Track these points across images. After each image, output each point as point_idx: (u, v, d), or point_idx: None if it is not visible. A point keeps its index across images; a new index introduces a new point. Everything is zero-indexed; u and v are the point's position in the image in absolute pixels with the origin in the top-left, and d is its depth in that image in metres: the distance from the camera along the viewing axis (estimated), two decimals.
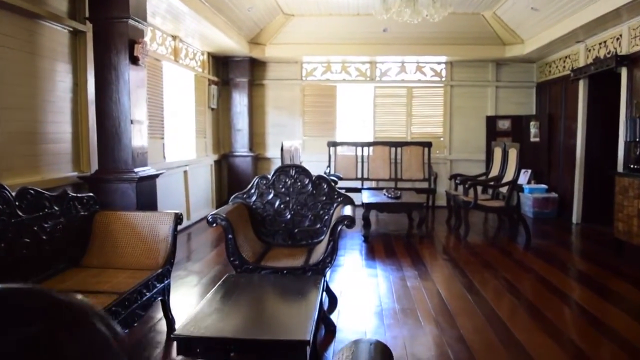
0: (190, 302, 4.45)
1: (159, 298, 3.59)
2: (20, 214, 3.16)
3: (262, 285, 3.20)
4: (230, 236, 3.73)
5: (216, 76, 9.43)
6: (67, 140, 4.94)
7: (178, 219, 3.87)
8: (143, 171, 5.02)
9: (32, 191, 3.31)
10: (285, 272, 3.61)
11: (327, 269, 3.62)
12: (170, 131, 7.54)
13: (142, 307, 3.25)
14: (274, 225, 4.39)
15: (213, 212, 3.81)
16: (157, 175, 5.39)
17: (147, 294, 3.33)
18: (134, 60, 4.83)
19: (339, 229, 3.60)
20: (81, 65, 5.06)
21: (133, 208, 4.81)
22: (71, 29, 4.89)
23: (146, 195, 5.04)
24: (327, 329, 3.76)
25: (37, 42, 4.47)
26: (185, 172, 7.87)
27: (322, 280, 3.19)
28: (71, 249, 3.68)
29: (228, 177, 9.75)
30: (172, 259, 3.78)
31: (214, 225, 3.77)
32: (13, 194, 3.13)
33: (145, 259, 3.73)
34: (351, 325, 3.91)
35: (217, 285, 3.11)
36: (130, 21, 4.75)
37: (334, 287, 4.77)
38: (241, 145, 9.64)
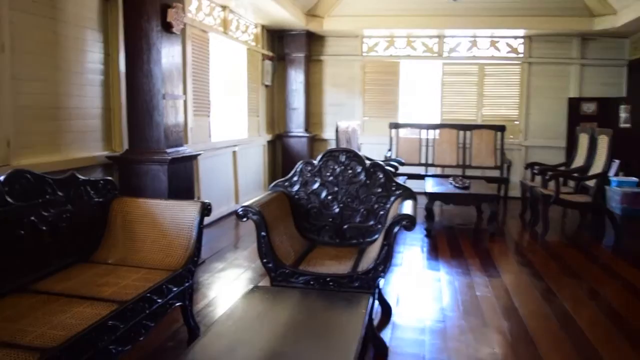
0: (222, 303, 3.89)
1: (177, 304, 3.03)
2: (10, 200, 2.65)
3: (291, 305, 2.54)
4: (263, 234, 3.10)
5: (271, 51, 8.82)
6: (96, 116, 4.47)
7: (205, 209, 3.29)
8: (176, 151, 4.48)
9: (28, 174, 2.80)
10: (328, 280, 2.96)
11: (379, 279, 2.93)
12: (219, 109, 7.01)
13: (150, 317, 2.69)
14: (320, 220, 3.73)
15: (245, 204, 3.19)
16: (193, 157, 4.85)
17: (159, 300, 2.76)
18: (167, 27, 4.27)
19: (395, 230, 2.89)
20: (113, 33, 4.55)
21: (164, 193, 4.31)
22: None
23: (180, 179, 4.51)
24: (376, 350, 3.09)
25: (61, 7, 3.98)
26: (234, 152, 7.35)
27: (370, 303, 2.50)
28: (80, 241, 3.18)
29: (282, 159, 9.19)
30: (196, 257, 3.21)
31: (244, 219, 3.16)
32: (1, 177, 2.62)
33: (164, 257, 3.17)
34: (407, 347, 3.22)
35: (234, 303, 2.49)
36: None
37: (389, 291, 4.08)
38: (296, 125, 9.04)
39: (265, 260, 3.10)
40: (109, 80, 4.59)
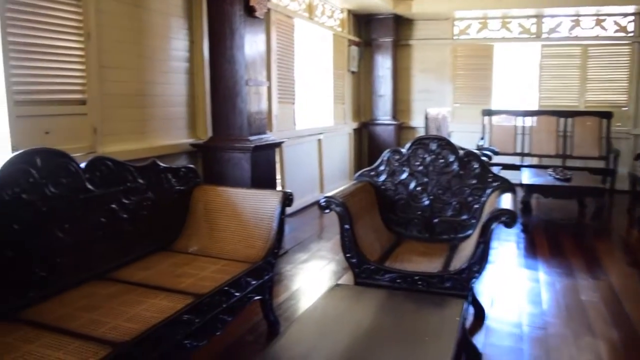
0: (304, 297, 3.74)
1: (256, 297, 2.90)
2: (90, 187, 2.62)
3: (376, 306, 2.31)
4: (346, 226, 2.90)
5: (357, 36, 8.56)
6: (181, 103, 4.45)
7: (286, 199, 3.13)
8: (260, 139, 4.37)
9: (109, 161, 2.77)
10: (416, 278, 2.70)
11: (474, 280, 2.64)
12: (304, 96, 6.88)
13: (228, 311, 2.57)
14: (408, 213, 3.47)
15: (327, 194, 3.00)
16: (277, 144, 4.73)
17: (237, 294, 2.64)
18: (250, 11, 4.14)
19: (492, 227, 2.58)
20: (197, 20, 4.50)
21: (247, 181, 4.22)
22: None
23: (263, 167, 4.40)
24: (468, 358, 2.80)
25: None
26: (319, 140, 7.21)
27: (465, 309, 2.22)
28: (161, 229, 3.13)
29: (368, 148, 8.93)
30: (276, 249, 3.07)
31: (327, 211, 2.97)
32: (82, 164, 2.59)
33: (243, 248, 3.06)
34: (502, 356, 2.90)
35: (314, 302, 2.30)
36: None
37: (482, 292, 3.75)
38: (383, 112, 8.74)
39: (348, 255, 2.90)
40: (193, 67, 4.56)
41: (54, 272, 2.41)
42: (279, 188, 5.95)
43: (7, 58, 2.89)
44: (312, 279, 4.13)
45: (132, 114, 3.90)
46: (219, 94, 4.32)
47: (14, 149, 2.90)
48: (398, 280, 2.72)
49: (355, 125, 8.72)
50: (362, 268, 2.83)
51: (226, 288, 2.55)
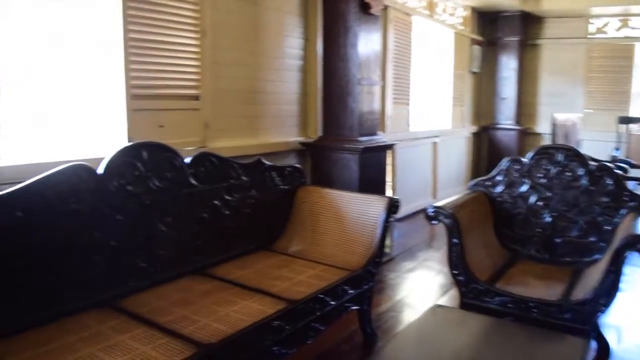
0: (407, 310, 3.53)
1: (353, 307, 2.76)
2: (194, 183, 2.63)
3: (480, 335, 2.05)
4: (455, 240, 2.66)
5: (481, 35, 8.09)
6: (292, 101, 4.42)
7: (392, 205, 2.96)
8: (370, 140, 4.22)
9: (213, 157, 2.77)
10: (531, 305, 2.40)
11: (599, 313, 2.28)
12: (420, 97, 6.61)
13: (321, 320, 2.45)
14: (526, 229, 3.13)
15: (436, 204, 2.78)
16: (388, 146, 4.55)
17: (332, 303, 2.51)
18: (365, 8, 4.00)
19: (626, 254, 2.21)
20: (312, 17, 4.44)
21: (355, 183, 4.09)
22: None
23: (372, 169, 4.24)
24: None
25: None
26: (434, 144, 6.90)
27: (586, 351, 1.89)
28: (262, 228, 3.09)
29: (487, 154, 8.43)
30: (379, 258, 2.90)
31: (434, 222, 2.75)
32: (187, 160, 2.61)
33: (343, 254, 2.93)
34: None
35: (411, 323, 2.10)
36: None
37: (608, 324, 3.30)
38: (506, 116, 8.19)
39: (455, 272, 2.66)
40: (307, 65, 4.51)
41: (154, 264, 2.44)
42: (388, 191, 5.76)
43: (127, 54, 3.00)
44: (417, 290, 3.90)
45: (243, 111, 3.92)
46: (331, 93, 4.24)
47: (129, 141, 3.01)
48: (509, 305, 2.44)
49: (474, 129, 8.26)
50: (469, 287, 2.57)
51: (321, 296, 2.43)
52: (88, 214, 2.15)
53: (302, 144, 4.37)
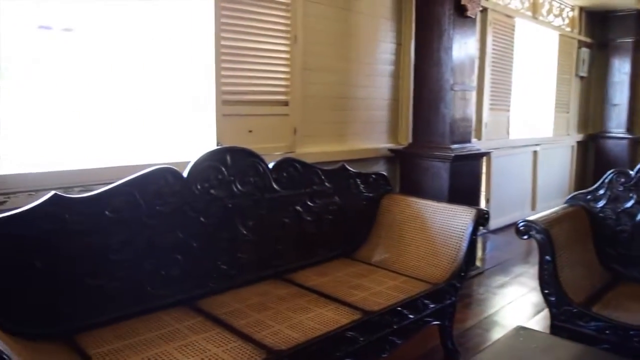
0: (495, 329, 3.34)
1: (434, 322, 2.64)
2: (277, 188, 2.65)
3: None
4: (547, 258, 2.47)
5: (589, 37, 7.52)
6: (383, 107, 4.36)
7: (480, 217, 2.81)
8: (462, 148, 4.06)
9: (297, 163, 2.78)
10: (632, 334, 2.17)
11: None
12: (519, 103, 6.27)
13: (399, 333, 2.37)
14: (631, 249, 2.84)
15: (527, 218, 2.60)
16: (481, 155, 4.35)
17: (411, 316, 2.42)
18: (461, 11, 3.85)
19: None
20: (406, 22, 4.36)
21: (444, 192, 3.95)
22: None
23: (464, 178, 4.07)
24: None
25: None
26: (534, 152, 6.52)
27: None
28: (345, 236, 3.06)
29: (595, 164, 7.83)
30: (463, 272, 2.77)
31: (525, 237, 2.57)
32: (270, 165, 2.64)
33: (426, 265, 2.82)
34: None
35: (489, 347, 1.96)
36: None
37: None
38: (616, 124, 7.56)
39: (546, 292, 2.47)
40: (399, 70, 4.43)
41: (235, 266, 2.49)
42: (482, 201, 5.53)
43: (218, 61, 3.10)
44: (507, 308, 3.68)
45: (332, 116, 3.92)
46: (422, 99, 4.13)
47: (218, 145, 3.10)
48: (606, 332, 2.21)
49: (579, 137, 7.70)
50: (561, 309, 2.37)
51: (399, 308, 2.35)
52: (172, 215, 2.23)
53: (392, 150, 4.29)
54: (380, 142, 4.36)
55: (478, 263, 4.64)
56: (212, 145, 3.07)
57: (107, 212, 2.03)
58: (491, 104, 5.54)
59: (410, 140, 4.38)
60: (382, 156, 4.32)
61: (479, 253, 5.07)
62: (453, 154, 3.89)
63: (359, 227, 3.15)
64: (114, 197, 2.06)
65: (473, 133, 5.24)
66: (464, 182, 4.07)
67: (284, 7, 3.42)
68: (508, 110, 5.92)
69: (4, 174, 2.32)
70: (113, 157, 2.73)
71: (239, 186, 2.48)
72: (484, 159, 5.41)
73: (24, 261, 1.85)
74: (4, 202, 2.27)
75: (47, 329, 1.88)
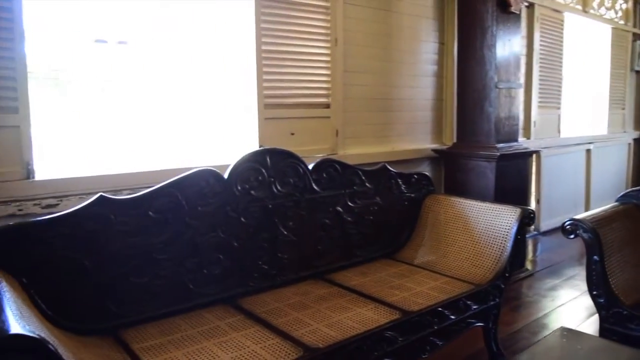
0: (543, 332, 3.24)
1: (477, 324, 2.59)
2: (316, 188, 2.68)
3: None
4: (595, 257, 2.38)
5: None
6: (427, 107, 4.31)
7: (526, 217, 2.75)
8: (508, 147, 3.97)
9: (336, 164, 2.79)
10: None
11: None
12: (569, 100, 6.07)
13: (439, 334, 2.34)
14: None
15: (574, 217, 2.52)
16: (529, 154, 4.25)
17: (452, 317, 2.38)
18: (504, 7, 3.78)
19: None
20: (449, 20, 4.30)
21: (490, 192, 3.88)
22: None
23: (510, 178, 3.98)
24: None
25: None
26: (588, 151, 6.29)
27: None
28: (386, 236, 3.05)
29: None
30: (507, 273, 2.70)
31: (572, 236, 2.49)
32: (310, 166, 2.66)
33: (469, 266, 2.77)
34: None
35: (529, 349, 1.91)
36: None
37: None
38: None
39: (594, 293, 2.38)
40: (442, 70, 4.37)
41: (276, 266, 2.52)
42: (532, 201, 5.38)
43: (260, 65, 3.15)
44: (557, 310, 3.56)
45: (375, 118, 3.91)
46: (466, 98, 4.07)
47: (260, 147, 3.14)
48: None
49: (636, 134, 7.37)
50: (610, 311, 2.29)
51: (440, 309, 2.32)
52: (213, 215, 2.29)
53: (435, 151, 4.24)
54: (425, 143, 4.32)
55: (528, 265, 4.52)
56: (255, 146, 3.12)
57: (150, 213, 2.11)
58: (540, 102, 5.39)
59: (454, 140, 4.32)
60: (426, 157, 4.27)
61: (529, 255, 4.93)
62: (498, 153, 3.81)
63: (401, 227, 3.13)
64: (157, 198, 2.13)
65: (521, 132, 5.16)
66: (511, 182, 3.98)
67: (323, 10, 3.45)
68: (559, 108, 5.75)
69: (57, 178, 2.44)
70: (160, 161, 2.82)
71: (278, 187, 2.52)
72: (534, 158, 5.29)
73: (74, 260, 1.94)
74: (57, 204, 2.39)
75: (95, 324, 1.97)
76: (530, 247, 5.18)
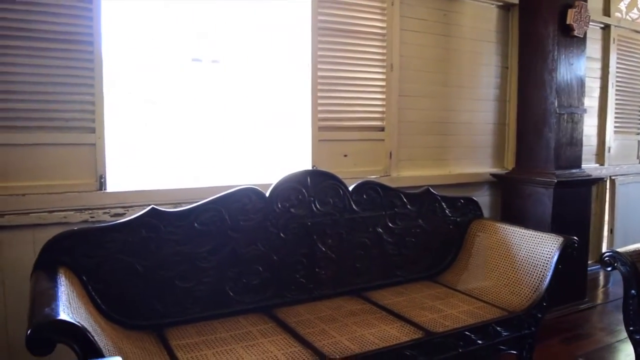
0: None
1: (509, 351, 2.60)
2: (356, 209, 2.82)
3: None
4: (632, 292, 2.34)
5: None
6: (487, 131, 4.31)
7: (569, 246, 2.72)
8: (569, 174, 3.89)
9: (377, 187, 2.92)
10: None
11: None
12: None
13: (465, 358, 2.39)
14: None
15: (613, 249, 2.48)
16: (592, 181, 4.12)
17: (479, 342, 2.42)
18: (566, 31, 3.73)
19: None
20: (513, 44, 4.29)
21: (547, 220, 3.81)
22: (500, 3, 4.19)
23: (570, 205, 3.88)
24: None
25: (456, 22, 4.01)
26: None
27: None
28: (428, 259, 3.13)
29: None
30: (545, 302, 2.69)
31: (609, 269, 2.45)
32: (350, 187, 2.81)
33: (507, 293, 2.79)
34: None
35: None
36: None
37: None
38: None
39: (631, 329, 2.34)
40: (505, 94, 4.36)
41: (313, 280, 2.69)
42: (605, 232, 5.17)
43: (315, 90, 3.35)
44: (611, 346, 3.43)
45: (431, 141, 3.97)
46: (526, 122, 4.04)
47: (313, 167, 3.34)
48: None
49: None
50: None
51: (467, 332, 2.38)
52: (254, 230, 2.51)
53: (494, 175, 4.22)
54: (485, 167, 4.31)
55: (595, 297, 4.36)
56: (308, 166, 3.31)
57: (196, 225, 2.36)
58: (617, 127, 5.18)
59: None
60: (485, 181, 4.26)
61: (598, 287, 4.74)
62: (556, 180, 3.75)
63: (445, 250, 3.19)
64: (203, 212, 2.38)
65: (593, 158, 4.99)
66: (571, 210, 3.88)
67: (379, 37, 3.59)
68: (638, 134, 5.48)
69: (125, 190, 2.76)
70: (217, 178, 3.08)
71: (318, 206, 2.69)
72: (607, 185, 5.10)
73: (128, 263, 2.22)
74: (124, 213, 2.70)
75: (142, 320, 2.24)
76: (601, 279, 4.97)
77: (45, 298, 1.65)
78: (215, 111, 3.17)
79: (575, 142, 3.98)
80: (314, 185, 2.68)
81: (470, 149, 4.22)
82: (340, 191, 2.77)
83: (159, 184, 2.89)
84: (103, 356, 1.51)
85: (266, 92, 3.31)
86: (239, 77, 3.21)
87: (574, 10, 3.68)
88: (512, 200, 4.09)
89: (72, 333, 1.48)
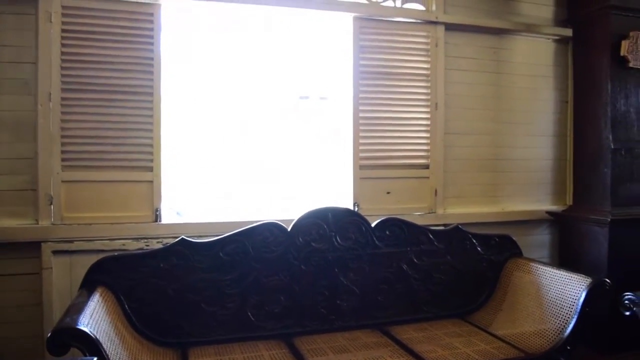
0: None
1: None
2: (378, 244, 2.96)
3: None
4: None
5: None
6: (544, 168, 4.20)
7: (597, 287, 2.65)
8: (627, 212, 3.70)
9: (402, 223, 3.04)
10: None
11: None
12: None
13: None
14: None
15: (633, 293, 2.40)
16: None
17: None
18: (621, 63, 3.61)
19: None
20: (571, 77, 4.20)
21: (603, 260, 3.65)
22: (557, 37, 4.14)
23: (630, 246, 3.68)
24: None
25: (507, 59, 4.02)
26: None
27: None
28: (457, 296, 3.15)
29: None
30: (569, 346, 2.62)
31: (628, 313, 2.38)
32: (373, 224, 2.96)
33: (531, 335, 2.76)
34: None
35: None
36: (614, 11, 3.58)
37: None
38: None
39: None
40: (565, 128, 4.24)
41: (334, 312, 2.85)
42: None
43: (357, 130, 3.54)
44: None
45: (482, 178, 3.96)
46: (582, 158, 3.93)
47: (354, 205, 3.51)
48: None
49: None
50: None
51: None
52: (276, 261, 2.74)
53: (550, 213, 4.11)
54: (543, 204, 4.19)
55: None
56: (349, 204, 3.49)
57: (221, 255, 2.64)
58: None
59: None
60: (542, 219, 4.15)
61: None
62: (610, 217, 3.60)
63: (478, 289, 3.19)
64: (228, 243, 2.67)
65: None
66: (631, 251, 3.68)
67: (422, 77, 3.71)
68: None
69: (176, 222, 3.15)
70: (260, 212, 3.38)
71: (339, 241, 2.87)
72: None
73: (160, 286, 2.55)
74: (167, 243, 3.06)
75: (169, 338, 2.54)
76: None
77: (74, 310, 2.00)
78: (264, 151, 3.51)
79: (637, 178, 3.80)
80: (335, 221, 2.87)
81: (526, 186, 4.15)
82: (363, 228, 2.93)
83: (205, 217, 3.23)
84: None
85: (313, 131, 3.59)
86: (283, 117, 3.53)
87: (628, 41, 3.57)
88: (569, 239, 3.97)
89: (84, 339, 1.80)
